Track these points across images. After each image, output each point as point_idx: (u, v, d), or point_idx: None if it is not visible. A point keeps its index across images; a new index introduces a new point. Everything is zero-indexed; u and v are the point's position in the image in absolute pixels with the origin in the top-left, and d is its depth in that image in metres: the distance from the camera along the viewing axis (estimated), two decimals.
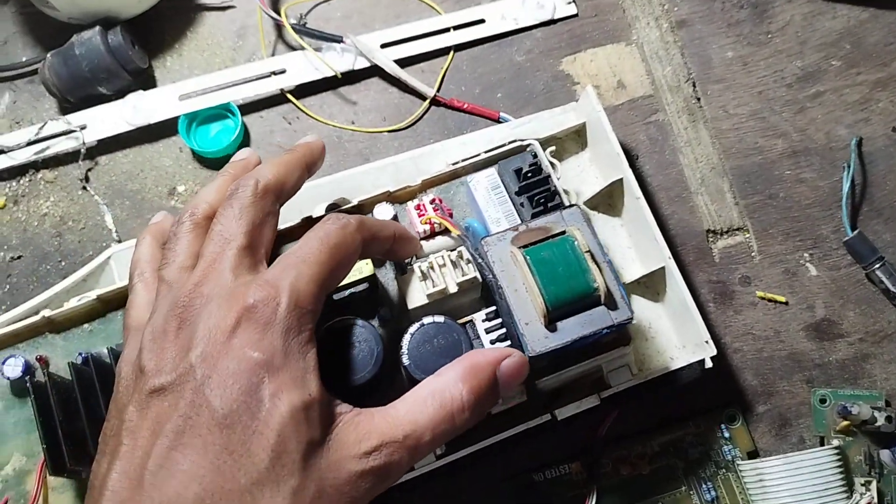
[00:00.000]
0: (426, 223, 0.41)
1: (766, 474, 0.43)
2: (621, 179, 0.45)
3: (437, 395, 0.30)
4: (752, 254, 0.48)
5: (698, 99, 0.50)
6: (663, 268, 0.44)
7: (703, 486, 0.44)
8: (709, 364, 0.42)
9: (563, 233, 0.39)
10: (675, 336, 0.45)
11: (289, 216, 0.41)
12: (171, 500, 0.25)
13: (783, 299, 0.47)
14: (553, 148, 0.45)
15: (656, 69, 0.50)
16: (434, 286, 0.38)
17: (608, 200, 0.47)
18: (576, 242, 0.38)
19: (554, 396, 0.43)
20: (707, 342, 0.42)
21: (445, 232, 0.41)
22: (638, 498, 0.44)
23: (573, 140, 0.48)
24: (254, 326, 0.27)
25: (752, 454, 0.45)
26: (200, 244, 0.32)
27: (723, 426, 0.45)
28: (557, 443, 0.44)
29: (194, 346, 0.27)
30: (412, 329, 0.36)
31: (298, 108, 0.50)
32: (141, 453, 0.26)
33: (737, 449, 0.45)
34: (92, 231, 0.49)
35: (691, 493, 0.44)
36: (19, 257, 0.49)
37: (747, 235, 0.48)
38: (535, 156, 0.42)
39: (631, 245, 0.46)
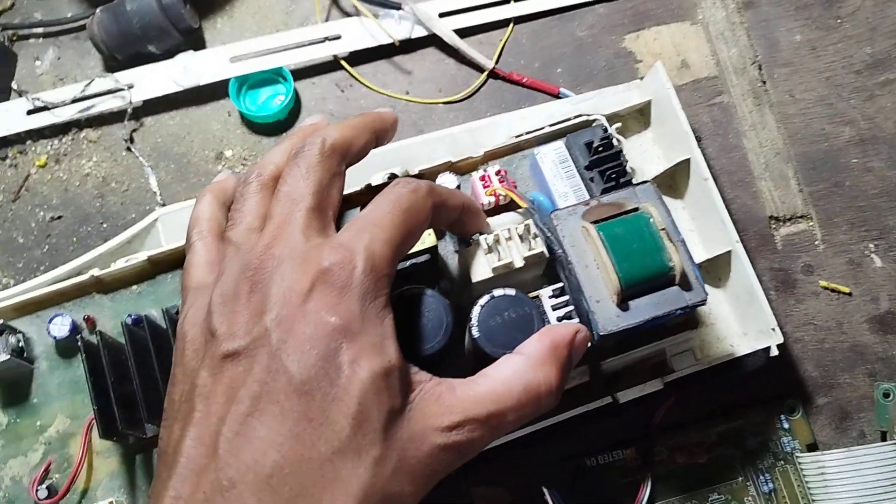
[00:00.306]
0: (491, 194, 0.39)
1: (827, 468, 0.41)
2: (687, 160, 0.43)
3: (522, 375, 0.29)
4: (816, 242, 0.46)
5: (764, 82, 0.49)
6: (728, 252, 0.42)
7: (761, 477, 0.43)
8: (774, 352, 0.41)
9: (636, 209, 0.38)
10: (737, 323, 0.44)
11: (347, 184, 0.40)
12: (248, 468, 0.24)
13: (847, 290, 0.45)
14: (619, 125, 0.44)
15: (722, 50, 0.49)
16: (500, 259, 0.37)
17: (669, 182, 0.46)
18: (651, 220, 0.36)
19: (612, 379, 0.42)
20: (773, 329, 0.41)
21: (509, 205, 0.40)
22: (693, 487, 0.42)
23: (635, 119, 0.47)
24: (330, 290, 0.26)
25: (812, 447, 0.43)
26: (268, 205, 0.30)
27: (782, 417, 0.43)
28: (612, 428, 0.43)
29: (268, 310, 0.26)
30: (482, 301, 0.34)
31: (352, 75, 0.49)
32: (215, 419, 0.25)
33: (796, 441, 0.43)
34: (135, 193, 0.47)
35: (748, 484, 0.43)
36: (59, 217, 0.47)
37: (811, 223, 0.47)
38: (607, 129, 0.40)
39: (693, 228, 0.45)
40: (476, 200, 0.40)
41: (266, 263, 0.27)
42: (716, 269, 0.44)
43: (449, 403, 0.27)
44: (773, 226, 0.47)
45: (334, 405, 0.25)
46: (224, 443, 0.24)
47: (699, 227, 0.45)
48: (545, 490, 0.41)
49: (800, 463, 0.42)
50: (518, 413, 0.28)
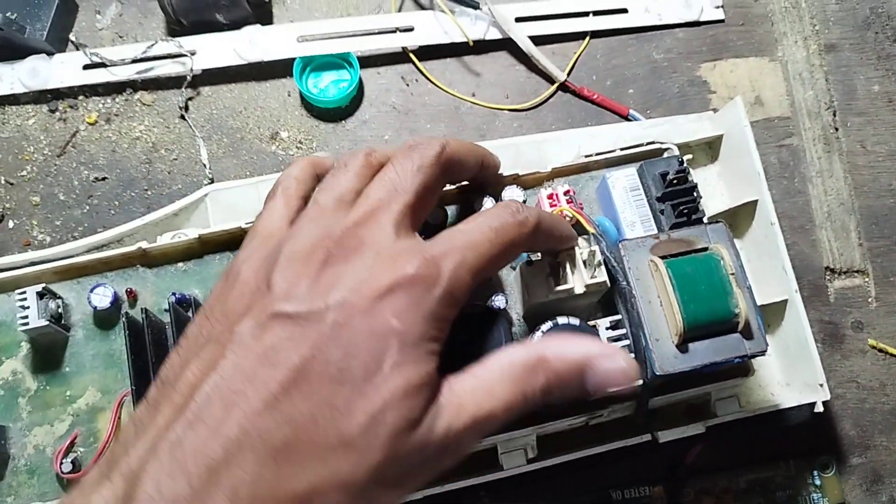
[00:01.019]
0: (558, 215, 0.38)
1: None
2: (754, 202, 0.42)
3: (510, 370, 0.27)
4: (869, 300, 0.45)
5: (836, 129, 0.48)
6: (783, 301, 0.42)
7: None
8: (819, 408, 0.40)
9: (706, 249, 0.37)
10: (780, 372, 0.43)
11: None
12: (259, 434, 0.23)
13: (895, 352, 0.45)
14: (690, 156, 0.43)
15: (797, 91, 0.48)
16: (560, 284, 0.36)
17: (730, 220, 0.44)
18: (721, 262, 0.36)
19: (651, 415, 0.41)
20: (821, 385, 0.40)
21: (573, 227, 0.39)
22: None
23: (702, 151, 0.46)
24: (405, 298, 0.25)
25: None
26: (365, 185, 0.29)
27: (815, 473, 0.43)
28: (641, 462, 0.42)
29: (336, 289, 0.25)
30: (544, 327, 0.34)
31: (419, 70, 0.47)
32: (242, 376, 0.24)
33: (826, 499, 0.43)
34: (184, 164, 0.46)
35: None
36: (104, 179, 0.46)
37: (867, 279, 0.46)
38: (682, 162, 0.39)
39: (749, 271, 0.44)
40: None
41: (348, 241, 0.26)
42: (766, 316, 0.43)
43: (443, 406, 0.26)
44: (828, 277, 0.46)
45: (360, 400, 0.24)
46: (244, 403, 0.23)
47: (756, 270, 0.44)
48: None
49: None
50: (505, 413, 0.27)
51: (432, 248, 0.27)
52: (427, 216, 0.30)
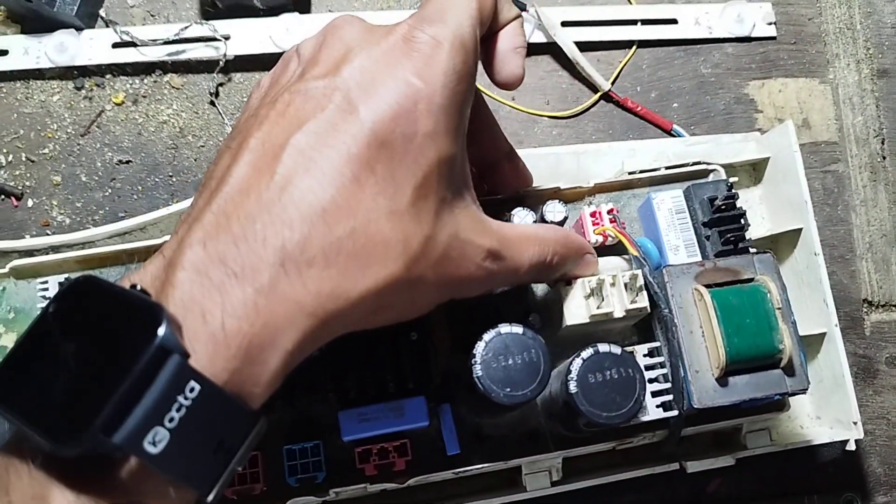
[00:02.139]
0: (600, 234, 0.37)
1: None
2: (798, 230, 0.41)
3: (540, 244, 0.30)
4: None
5: (884, 157, 0.46)
6: (821, 334, 0.40)
7: None
8: (851, 447, 0.39)
9: (752, 280, 0.36)
10: (811, 405, 0.42)
11: None
12: (301, 196, 0.23)
13: None
14: (735, 179, 0.41)
15: (847, 116, 0.46)
16: (599, 308, 0.35)
17: (769, 246, 0.43)
18: (769, 295, 0.34)
19: (679, 442, 0.40)
20: (855, 423, 0.39)
21: (614, 247, 0.38)
22: None
23: (746, 172, 0.44)
24: (416, 56, 0.25)
25: None
26: None
27: None
28: (662, 491, 0.41)
29: (350, 58, 0.25)
30: (585, 354, 0.32)
31: None
32: (272, 149, 0.24)
33: None
34: (211, 151, 0.45)
35: None
36: (128, 162, 0.44)
37: None
38: (731, 187, 0.38)
39: None
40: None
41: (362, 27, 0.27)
42: None
43: (488, 230, 0.28)
44: (865, 310, 0.45)
45: (401, 167, 0.24)
46: (281, 168, 0.23)
47: (794, 300, 0.42)
48: None
49: None
50: (524, 274, 0.30)
51: (427, 7, 0.26)
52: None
